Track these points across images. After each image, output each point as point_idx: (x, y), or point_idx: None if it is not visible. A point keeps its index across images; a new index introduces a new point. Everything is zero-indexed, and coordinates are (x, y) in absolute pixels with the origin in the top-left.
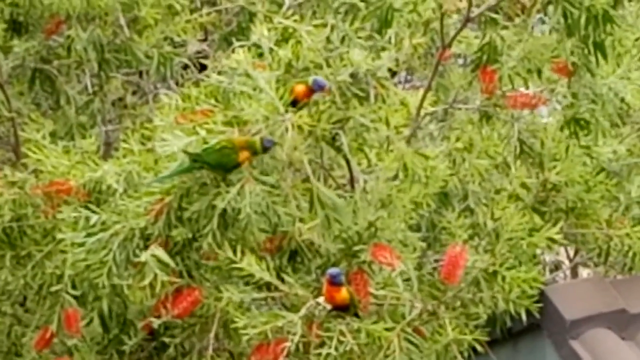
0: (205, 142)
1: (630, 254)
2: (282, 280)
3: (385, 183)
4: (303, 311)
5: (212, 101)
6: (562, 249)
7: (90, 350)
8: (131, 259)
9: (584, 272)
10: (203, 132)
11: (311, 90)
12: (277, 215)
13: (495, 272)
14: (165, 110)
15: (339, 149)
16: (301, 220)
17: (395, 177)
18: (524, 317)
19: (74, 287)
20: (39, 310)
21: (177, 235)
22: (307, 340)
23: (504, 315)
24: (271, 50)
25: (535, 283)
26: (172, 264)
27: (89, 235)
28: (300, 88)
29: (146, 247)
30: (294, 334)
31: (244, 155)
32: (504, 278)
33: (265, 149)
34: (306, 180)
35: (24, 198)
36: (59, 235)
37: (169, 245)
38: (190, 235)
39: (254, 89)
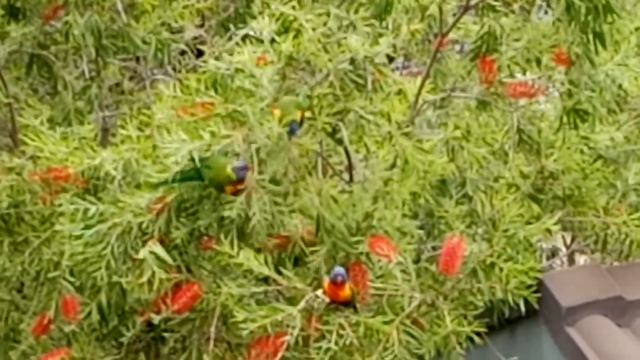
0: (208, 147)
1: (627, 241)
2: (280, 274)
3: (383, 173)
4: (302, 304)
5: (212, 93)
6: (559, 236)
7: (89, 341)
8: (129, 253)
9: (580, 259)
10: (207, 136)
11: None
12: (281, 221)
13: (492, 264)
14: (163, 101)
15: (339, 141)
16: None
17: (393, 166)
18: (522, 307)
19: (71, 274)
20: (36, 296)
21: (176, 237)
22: (307, 333)
23: (501, 304)
24: (272, 41)
25: (533, 273)
26: (170, 261)
27: (86, 227)
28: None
29: (144, 242)
30: (293, 328)
31: (228, 190)
32: (501, 269)
33: (240, 178)
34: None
35: (21, 184)
36: (57, 227)
37: (167, 241)
38: (189, 234)
39: (255, 86)
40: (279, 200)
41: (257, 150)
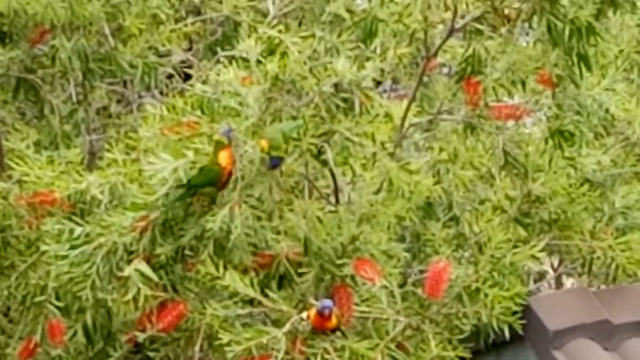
0: (194, 164)
1: (613, 265)
2: (266, 296)
3: (369, 196)
4: (287, 326)
5: (198, 112)
6: (546, 259)
7: None
8: (115, 273)
9: (568, 282)
10: (190, 154)
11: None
12: (265, 239)
13: (478, 289)
14: (149, 121)
15: (324, 162)
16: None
17: (379, 190)
18: (507, 333)
19: (57, 298)
20: (22, 320)
21: (161, 254)
22: (291, 357)
23: (487, 327)
24: (258, 62)
25: (519, 299)
26: (155, 278)
27: (72, 247)
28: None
29: (130, 261)
30: (278, 351)
31: (223, 157)
32: (486, 295)
33: (229, 140)
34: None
35: (7, 209)
36: (43, 247)
37: (152, 260)
38: (174, 252)
39: (240, 105)
40: (263, 217)
41: (242, 168)
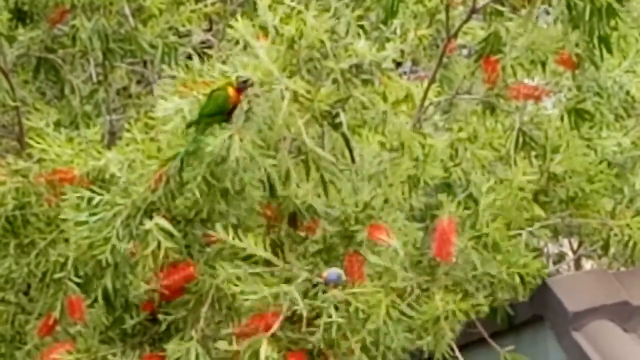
0: (199, 101)
1: (631, 243)
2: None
3: (379, 156)
4: (300, 280)
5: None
6: (565, 241)
7: (93, 335)
8: (134, 236)
9: (587, 264)
10: (195, 93)
11: (240, 90)
12: (264, 168)
13: (496, 244)
14: (166, 82)
15: (337, 126)
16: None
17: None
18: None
19: (76, 273)
20: (42, 298)
21: (180, 205)
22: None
23: (505, 306)
24: (275, 30)
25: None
26: (176, 233)
27: (92, 214)
28: (232, 91)
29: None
30: (290, 302)
31: (232, 91)
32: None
33: (241, 86)
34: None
35: (27, 186)
36: (63, 216)
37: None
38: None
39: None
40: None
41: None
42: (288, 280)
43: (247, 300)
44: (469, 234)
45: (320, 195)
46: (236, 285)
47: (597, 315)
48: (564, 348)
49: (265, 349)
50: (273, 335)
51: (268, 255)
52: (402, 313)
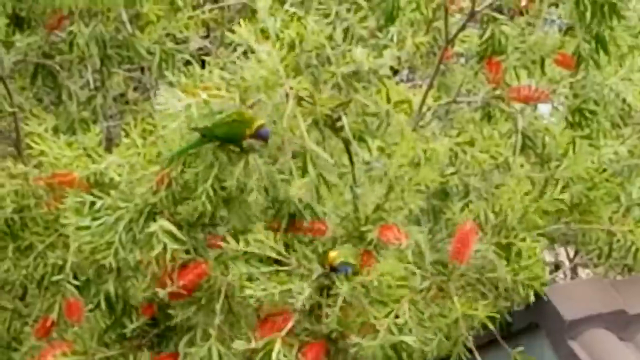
0: (206, 103)
1: (633, 249)
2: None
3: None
4: (314, 276)
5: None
6: (562, 250)
7: (91, 337)
8: (137, 240)
9: (583, 273)
10: (204, 95)
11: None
12: (278, 190)
13: (509, 245)
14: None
15: (338, 130)
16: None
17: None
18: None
19: (75, 277)
20: (39, 301)
21: (182, 212)
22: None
23: (504, 313)
24: (276, 35)
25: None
26: (180, 235)
27: (94, 219)
28: (249, 132)
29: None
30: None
31: (249, 131)
32: (519, 252)
33: (260, 136)
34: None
35: (26, 189)
36: (63, 221)
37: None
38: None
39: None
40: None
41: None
42: (302, 278)
43: (257, 299)
44: (494, 238)
45: (320, 196)
46: (248, 284)
47: (594, 323)
48: (560, 356)
49: (277, 351)
50: (289, 332)
51: (280, 250)
52: (420, 312)
